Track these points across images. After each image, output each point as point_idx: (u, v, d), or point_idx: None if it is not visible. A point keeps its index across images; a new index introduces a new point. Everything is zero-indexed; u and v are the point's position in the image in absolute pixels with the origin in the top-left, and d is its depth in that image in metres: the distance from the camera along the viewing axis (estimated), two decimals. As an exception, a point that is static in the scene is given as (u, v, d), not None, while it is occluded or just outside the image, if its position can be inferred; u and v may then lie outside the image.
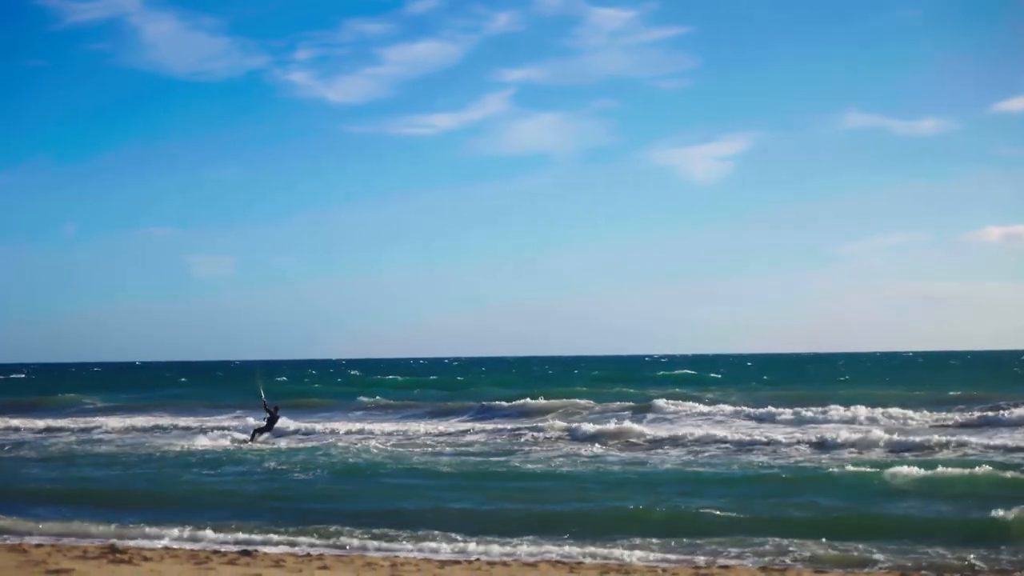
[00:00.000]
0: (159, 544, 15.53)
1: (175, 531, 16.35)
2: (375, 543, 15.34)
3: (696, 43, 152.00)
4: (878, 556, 13.93)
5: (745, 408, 38.05)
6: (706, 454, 26.06)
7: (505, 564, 13.47)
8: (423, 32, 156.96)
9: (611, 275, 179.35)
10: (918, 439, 26.85)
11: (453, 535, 15.57)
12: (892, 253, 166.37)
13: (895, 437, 27.14)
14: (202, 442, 30.42)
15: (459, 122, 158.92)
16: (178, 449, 28.55)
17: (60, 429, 37.16)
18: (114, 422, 38.92)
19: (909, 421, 33.16)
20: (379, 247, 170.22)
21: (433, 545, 15.11)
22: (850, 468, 21.47)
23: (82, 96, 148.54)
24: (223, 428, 34.62)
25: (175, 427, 36.66)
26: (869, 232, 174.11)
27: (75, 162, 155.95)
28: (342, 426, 35.35)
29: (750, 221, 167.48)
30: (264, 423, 31.45)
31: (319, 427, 34.97)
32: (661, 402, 39.74)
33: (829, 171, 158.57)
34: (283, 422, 32.70)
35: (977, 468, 20.38)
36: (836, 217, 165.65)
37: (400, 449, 27.87)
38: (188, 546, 15.29)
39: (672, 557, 14.20)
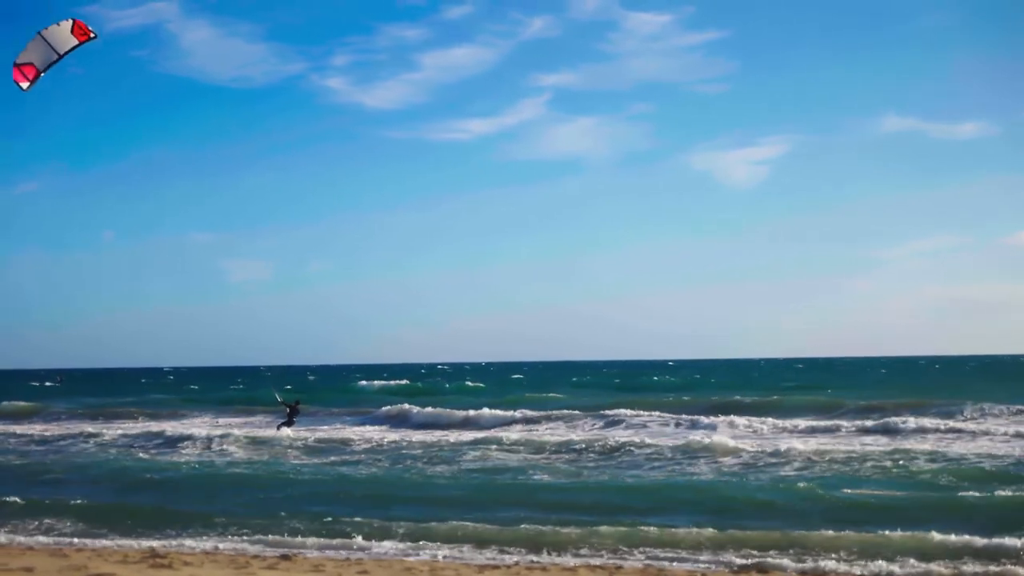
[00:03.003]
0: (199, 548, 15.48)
1: (212, 536, 16.33)
2: (403, 544, 15.37)
3: (732, 47, 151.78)
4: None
5: (669, 415, 37.82)
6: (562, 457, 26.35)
7: (544, 569, 13.40)
8: (459, 37, 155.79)
9: (648, 279, 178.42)
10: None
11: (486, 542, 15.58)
12: (930, 257, 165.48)
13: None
14: (216, 447, 30.33)
15: (495, 127, 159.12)
16: (182, 457, 28.51)
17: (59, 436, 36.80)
18: (116, 430, 38.82)
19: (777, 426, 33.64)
20: (413, 252, 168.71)
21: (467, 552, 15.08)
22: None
23: (121, 102, 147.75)
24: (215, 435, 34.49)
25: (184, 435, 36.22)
26: (907, 236, 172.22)
27: (113, 168, 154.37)
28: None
29: (788, 225, 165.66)
30: (287, 418, 33.79)
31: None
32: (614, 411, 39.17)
33: (866, 175, 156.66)
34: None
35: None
36: (874, 221, 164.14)
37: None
38: (228, 550, 15.23)
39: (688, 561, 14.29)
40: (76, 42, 12.03)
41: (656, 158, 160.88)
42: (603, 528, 15.87)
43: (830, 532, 15.35)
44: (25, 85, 12.06)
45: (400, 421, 40.55)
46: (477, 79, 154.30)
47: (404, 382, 73.56)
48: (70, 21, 12.00)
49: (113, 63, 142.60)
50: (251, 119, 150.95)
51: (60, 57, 12.01)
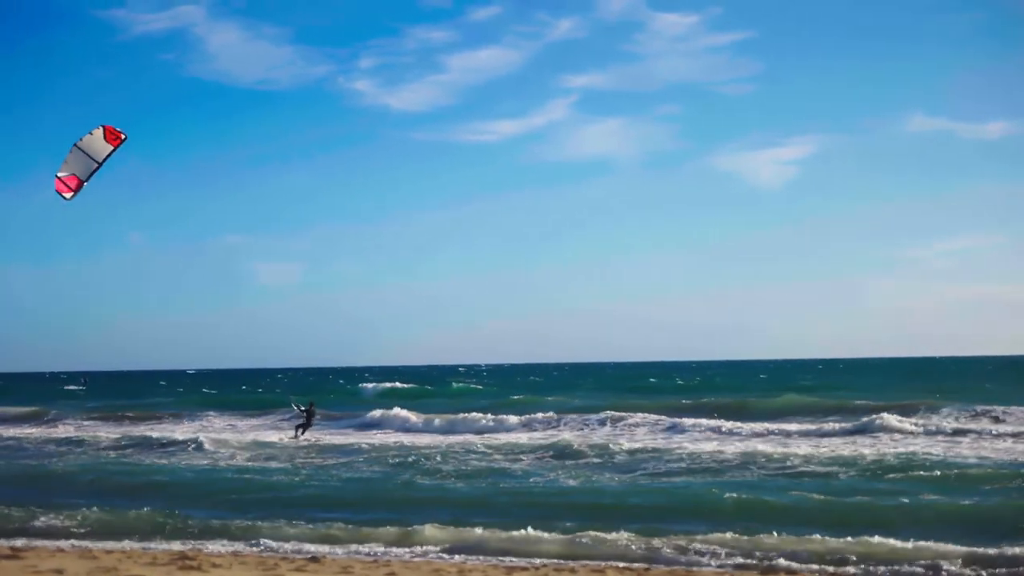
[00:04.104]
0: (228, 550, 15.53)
1: (230, 539, 16.37)
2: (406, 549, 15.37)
3: (759, 48, 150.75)
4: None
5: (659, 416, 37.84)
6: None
7: (572, 571, 13.41)
8: (486, 39, 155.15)
9: (673, 280, 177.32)
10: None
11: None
12: (956, 257, 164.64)
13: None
14: (238, 451, 30.30)
15: (522, 128, 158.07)
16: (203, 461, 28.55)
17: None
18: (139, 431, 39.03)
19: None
20: (438, 254, 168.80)
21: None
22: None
23: (147, 105, 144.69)
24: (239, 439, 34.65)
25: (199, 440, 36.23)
26: (933, 236, 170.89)
27: (138, 171, 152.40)
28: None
29: (814, 226, 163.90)
30: (303, 421, 34.29)
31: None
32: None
33: (893, 175, 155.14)
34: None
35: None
36: (900, 221, 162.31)
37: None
38: (249, 552, 15.27)
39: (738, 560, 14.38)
40: (111, 148, 12.47)
41: (683, 159, 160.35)
42: (622, 530, 15.88)
43: (838, 537, 15.32)
44: (68, 195, 12.50)
45: (403, 424, 40.45)
46: (504, 80, 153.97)
47: (411, 385, 73.57)
48: (101, 129, 12.47)
49: (140, 66, 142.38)
50: (277, 122, 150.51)
51: (99, 165, 12.42)
